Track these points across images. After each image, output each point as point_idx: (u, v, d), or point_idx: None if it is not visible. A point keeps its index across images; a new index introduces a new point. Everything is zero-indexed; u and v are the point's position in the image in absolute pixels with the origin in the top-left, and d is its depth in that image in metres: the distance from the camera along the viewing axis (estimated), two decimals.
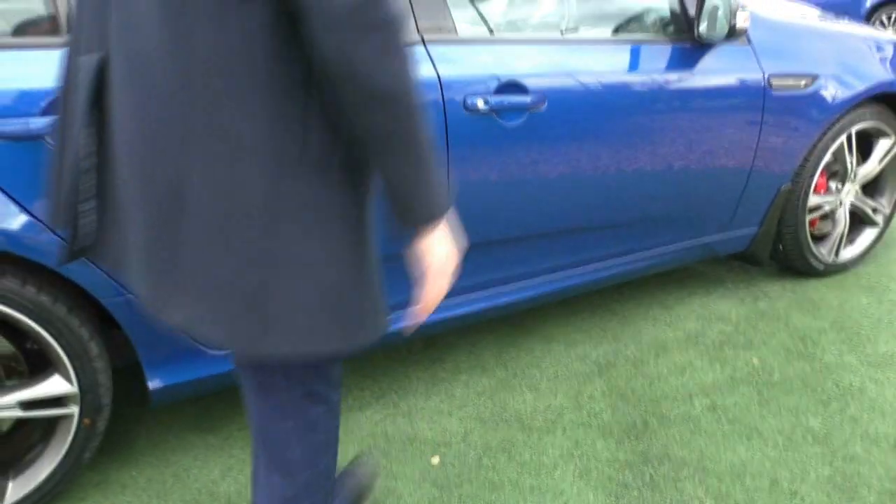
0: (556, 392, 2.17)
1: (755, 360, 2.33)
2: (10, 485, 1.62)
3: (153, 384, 1.71)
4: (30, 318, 1.51)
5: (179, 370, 1.74)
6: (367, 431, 1.98)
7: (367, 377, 2.24)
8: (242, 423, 2.02)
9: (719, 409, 2.09)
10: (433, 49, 1.84)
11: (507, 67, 1.93)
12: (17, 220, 1.44)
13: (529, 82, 1.94)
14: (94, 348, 1.60)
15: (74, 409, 1.62)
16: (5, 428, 1.69)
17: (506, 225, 2.04)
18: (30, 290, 1.50)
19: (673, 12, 2.25)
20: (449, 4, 1.88)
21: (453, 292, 2.06)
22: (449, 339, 2.45)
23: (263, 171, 0.96)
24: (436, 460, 1.88)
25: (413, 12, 1.82)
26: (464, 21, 2.23)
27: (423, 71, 1.80)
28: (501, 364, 2.31)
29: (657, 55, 2.20)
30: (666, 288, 2.81)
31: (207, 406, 2.09)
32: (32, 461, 1.65)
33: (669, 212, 2.35)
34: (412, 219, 1.02)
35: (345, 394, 2.14)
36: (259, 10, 0.91)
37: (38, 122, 1.42)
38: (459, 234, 1.08)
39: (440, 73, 1.82)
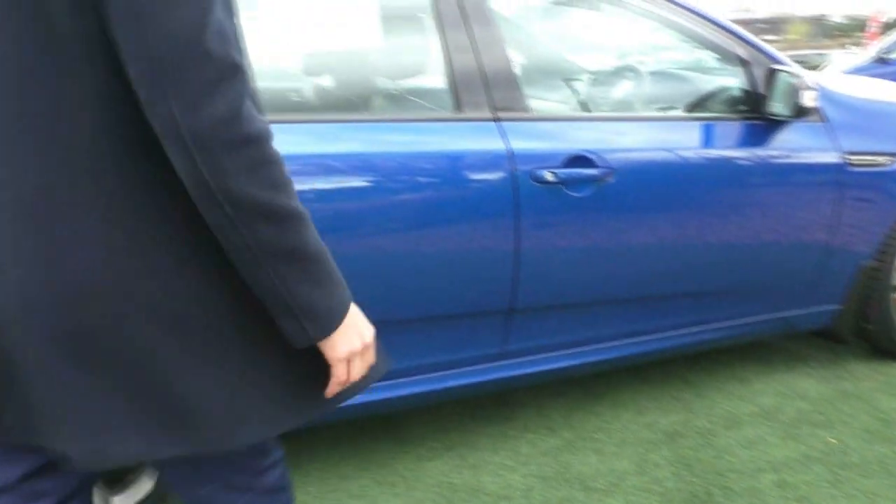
0: (620, 456, 2.20)
1: (832, 440, 2.28)
2: (115, 499, 1.84)
3: None
4: None
5: None
6: (434, 481, 2.09)
7: (438, 430, 2.35)
8: (320, 462, 2.17)
9: (788, 487, 2.06)
10: (507, 125, 2.01)
11: (575, 142, 2.08)
12: None
13: (598, 156, 2.07)
14: None
15: None
16: None
17: (575, 290, 2.15)
18: None
19: (744, 91, 2.34)
20: (522, 84, 2.06)
21: (523, 352, 2.17)
22: (519, 398, 2.54)
23: (156, 271, 0.92)
24: None
25: (488, 90, 2.01)
26: (536, 98, 2.41)
27: (496, 145, 1.97)
28: (568, 426, 2.37)
29: (727, 132, 2.29)
30: (745, 362, 2.79)
31: (288, 445, 2.24)
32: (133, 481, 1.86)
33: (740, 284, 2.39)
34: (317, 330, 0.97)
35: (416, 444, 2.27)
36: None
37: None
38: (361, 313, 1.06)
39: (512, 147, 1.99)
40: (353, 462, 2.18)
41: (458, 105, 2.00)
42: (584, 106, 2.63)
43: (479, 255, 2.00)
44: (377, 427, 2.37)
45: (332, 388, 1.05)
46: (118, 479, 1.89)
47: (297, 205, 0.92)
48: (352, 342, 1.01)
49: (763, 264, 2.40)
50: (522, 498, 2.01)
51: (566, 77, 2.84)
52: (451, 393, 2.14)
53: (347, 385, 1.06)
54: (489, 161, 1.97)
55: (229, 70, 0.84)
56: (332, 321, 0.98)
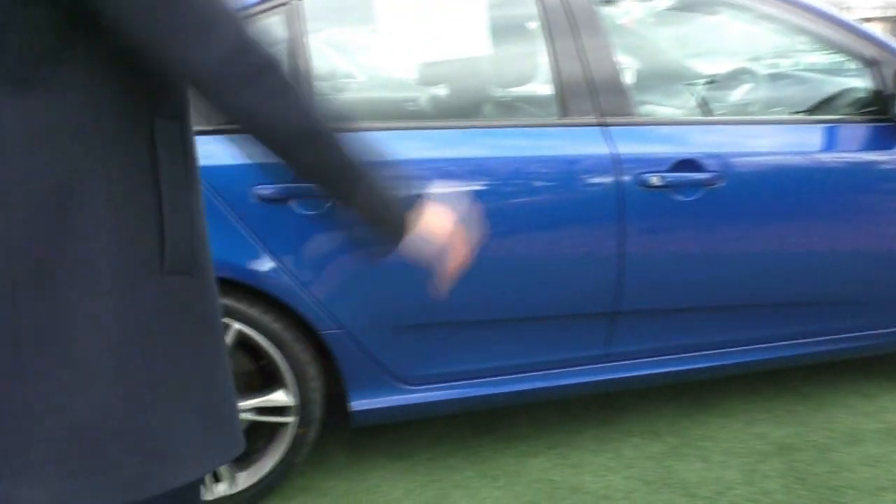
0: (727, 466, 2.16)
1: None
2: (242, 475, 2.02)
3: (354, 406, 2.03)
4: (267, 340, 1.91)
5: (377, 398, 2.05)
6: (534, 477, 2.14)
7: (542, 428, 2.40)
8: (427, 452, 2.28)
9: None
10: (613, 130, 2.04)
11: (684, 146, 2.07)
12: (266, 264, 1.86)
13: (707, 160, 2.06)
14: (311, 371, 1.97)
15: (292, 420, 1.98)
16: (243, 428, 2.12)
17: (681, 295, 2.14)
18: (268, 319, 1.91)
19: (871, 92, 2.24)
20: (629, 89, 2.08)
21: (627, 355, 2.19)
22: (624, 401, 2.54)
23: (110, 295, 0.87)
24: None
25: (595, 96, 2.04)
26: (649, 103, 2.41)
27: (601, 149, 2.00)
28: (674, 432, 2.35)
29: (852, 134, 2.20)
30: (870, 376, 2.65)
31: (399, 434, 2.38)
32: (258, 459, 2.04)
33: (863, 294, 2.28)
34: (395, 228, 0.98)
35: (519, 440, 2.33)
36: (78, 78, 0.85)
37: (284, 188, 1.84)
38: (458, 200, 1.09)
39: (619, 152, 2.01)
40: (459, 454, 2.27)
41: (564, 110, 2.05)
42: (699, 110, 2.60)
43: (585, 258, 2.04)
44: (482, 422, 2.45)
45: (446, 277, 1.05)
46: (244, 456, 2.07)
47: (332, 114, 0.91)
48: (442, 219, 1.02)
49: (890, 274, 2.28)
50: (623, 500, 2.02)
51: (681, 81, 2.82)
52: (555, 392, 2.18)
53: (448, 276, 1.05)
54: (594, 165, 2.01)
55: (220, 8, 0.84)
56: (408, 201, 0.98)
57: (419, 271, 1.92)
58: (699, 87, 2.78)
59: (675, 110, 2.66)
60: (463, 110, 2.47)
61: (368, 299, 1.95)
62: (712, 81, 2.83)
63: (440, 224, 1.01)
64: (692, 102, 2.67)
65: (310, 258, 1.89)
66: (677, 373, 2.23)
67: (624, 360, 2.18)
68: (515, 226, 1.99)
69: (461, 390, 2.10)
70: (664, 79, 2.84)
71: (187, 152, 0.96)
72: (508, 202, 1.98)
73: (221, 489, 1.99)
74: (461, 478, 2.15)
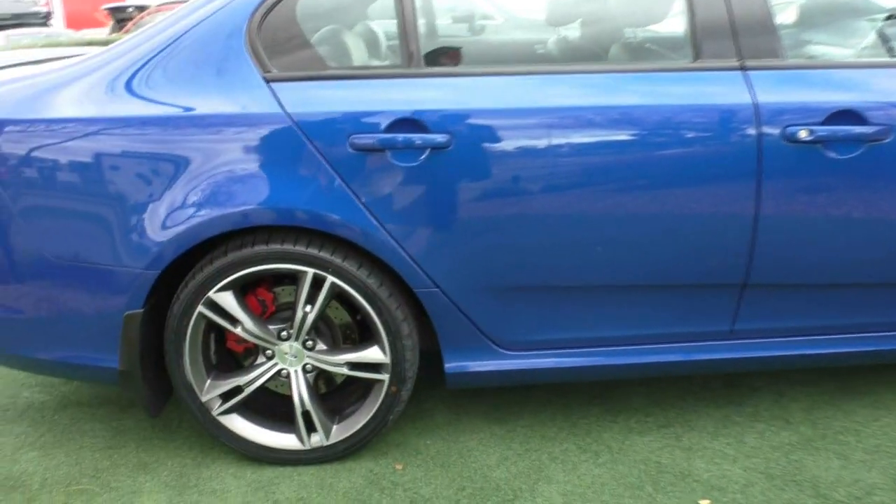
0: (871, 466, 1.88)
1: None
2: (335, 428, 2.00)
3: (448, 367, 1.95)
4: (361, 296, 1.85)
5: (472, 360, 1.95)
6: (640, 457, 1.97)
7: (656, 404, 2.21)
8: (527, 420, 2.16)
9: None
10: (754, 74, 1.76)
11: (843, 94, 1.75)
12: (360, 217, 1.79)
13: (872, 111, 1.73)
14: (405, 328, 1.89)
15: (385, 377, 1.93)
16: (338, 381, 2.10)
17: (824, 269, 1.85)
18: (363, 273, 1.84)
19: None
20: (778, 28, 1.78)
21: (756, 333, 1.94)
22: (753, 382, 2.28)
23: None
24: (705, 503, 1.79)
25: (735, 35, 1.76)
26: (811, 44, 2.07)
27: (739, 97, 1.73)
28: (809, 421, 2.08)
29: None
30: None
31: (500, 398, 2.29)
32: (351, 413, 2.01)
33: None
34: None
35: (628, 415, 2.15)
36: None
37: (380, 138, 1.74)
38: None
39: (759, 100, 1.73)
40: (559, 424, 2.14)
41: (697, 52, 1.79)
42: (872, 51, 2.21)
43: (714, 220, 1.80)
44: (589, 391, 2.29)
45: None
46: (338, 410, 2.05)
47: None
48: None
49: None
50: (739, 493, 1.82)
51: (857, 16, 2.41)
52: (669, 369, 1.99)
53: None
54: (730, 116, 1.74)
55: None
56: None
57: (525, 228, 1.78)
58: (879, 24, 2.36)
59: (843, 51, 2.28)
60: (588, 53, 2.26)
61: (468, 258, 1.83)
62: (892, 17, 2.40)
63: None
64: (867, 42, 2.27)
65: (406, 212, 1.79)
66: (813, 357, 1.95)
67: (751, 338, 1.93)
68: (635, 183, 1.78)
69: (564, 359, 1.95)
70: (833, 14, 2.45)
71: None
72: (627, 156, 1.77)
73: (316, 440, 1.99)
74: (559, 450, 2.02)
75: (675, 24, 1.92)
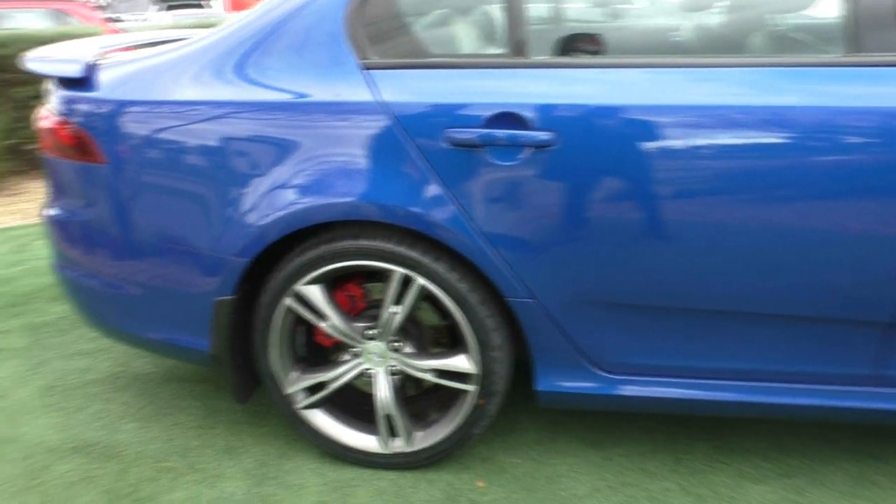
0: None
1: None
2: (418, 435, 1.91)
3: (540, 386, 1.79)
4: (450, 300, 1.73)
5: (567, 380, 1.78)
6: None
7: (777, 448, 1.94)
8: (626, 448, 1.97)
9: None
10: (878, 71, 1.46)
11: None
12: (453, 217, 1.66)
13: None
14: (495, 339, 1.76)
15: (472, 388, 1.81)
16: (425, 387, 2.00)
17: None
18: (453, 277, 1.72)
19: None
20: None
21: None
22: None
23: None
24: None
25: (854, 28, 1.47)
26: None
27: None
28: None
29: None
30: None
31: (599, 421, 2.10)
32: (435, 422, 1.91)
33: None
34: None
35: (742, 458, 1.91)
36: None
37: (480, 133, 1.60)
38: None
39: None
40: (661, 459, 1.93)
41: (857, 44, 1.51)
42: None
43: (860, 246, 1.52)
44: (698, 425, 2.06)
45: None
46: (423, 416, 1.96)
47: None
48: None
49: None
50: None
51: None
52: (798, 412, 1.72)
53: None
54: (888, 120, 1.46)
55: None
56: None
57: (636, 240, 1.59)
58: None
59: None
60: (727, 43, 2.00)
61: (567, 269, 1.67)
62: None
63: None
64: None
65: (503, 215, 1.65)
66: None
67: None
68: (775, 194, 1.53)
69: (672, 389, 1.74)
70: None
71: None
72: (770, 163, 1.52)
73: (397, 445, 1.91)
74: (658, 489, 1.82)
75: (828, 9, 1.63)
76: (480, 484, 1.87)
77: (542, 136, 1.58)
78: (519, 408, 2.17)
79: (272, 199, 1.73)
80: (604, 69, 1.61)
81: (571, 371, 1.78)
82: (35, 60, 2.02)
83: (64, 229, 2.05)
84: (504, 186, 1.63)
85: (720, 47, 2.09)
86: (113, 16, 11.89)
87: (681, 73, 1.58)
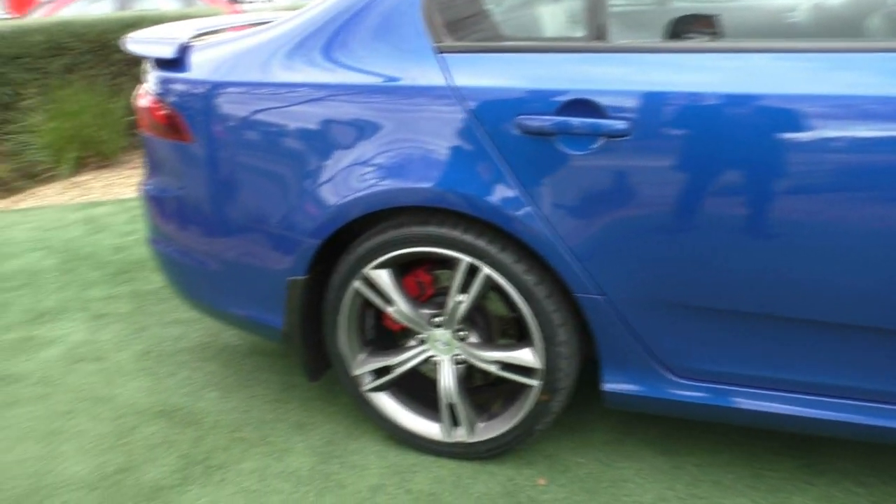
0: None
1: None
2: (480, 426, 1.88)
3: (607, 386, 1.72)
4: (516, 292, 1.69)
5: (636, 382, 1.70)
6: None
7: (873, 471, 1.77)
8: (700, 458, 1.86)
9: None
10: None
11: None
12: (522, 207, 1.61)
13: None
14: (561, 334, 1.70)
15: (536, 384, 1.76)
16: (491, 378, 1.97)
17: None
18: (520, 269, 1.67)
19: None
20: None
21: None
22: None
23: None
24: None
25: None
26: None
27: None
28: None
29: None
30: None
31: (673, 426, 2.00)
32: (498, 414, 1.87)
33: None
34: None
35: (831, 480, 1.75)
36: None
37: (552, 121, 1.54)
38: None
39: None
40: (738, 472, 1.81)
41: None
42: None
43: None
44: (782, 440, 1.91)
45: None
46: (487, 407, 1.93)
47: None
48: None
49: None
50: None
51: None
52: (884, 435, 1.56)
53: None
54: None
55: None
56: None
57: (724, 240, 1.48)
58: None
59: None
60: (853, 26, 1.83)
61: (639, 266, 1.58)
62: None
63: None
64: None
65: (573, 207, 1.58)
66: None
67: None
68: (872, 194, 1.38)
69: (751, 401, 1.62)
70: None
71: None
72: (856, 158, 1.38)
73: (459, 435, 1.89)
74: (731, 503, 1.71)
75: None
76: (541, 482, 1.82)
77: (618, 125, 1.50)
78: (590, 406, 2.09)
79: (351, 181, 1.73)
80: (684, 54, 1.50)
81: (640, 373, 1.69)
82: (134, 41, 2.12)
83: (155, 204, 2.15)
84: (574, 176, 1.56)
85: (825, 29, 1.91)
86: None
87: (775, 57, 1.45)
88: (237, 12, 9.40)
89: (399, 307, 1.84)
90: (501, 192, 1.61)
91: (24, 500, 1.83)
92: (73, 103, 5.07)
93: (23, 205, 4.53)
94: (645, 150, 1.50)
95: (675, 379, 1.67)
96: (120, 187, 4.78)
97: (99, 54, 5.38)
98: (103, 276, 3.27)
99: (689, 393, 1.66)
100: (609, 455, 1.91)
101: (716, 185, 1.46)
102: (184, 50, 2.01)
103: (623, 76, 1.52)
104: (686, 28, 1.91)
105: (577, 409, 2.09)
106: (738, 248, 1.49)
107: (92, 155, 5.23)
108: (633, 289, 1.61)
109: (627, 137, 1.50)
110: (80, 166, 5.18)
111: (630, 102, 1.49)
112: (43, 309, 2.95)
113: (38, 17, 7.44)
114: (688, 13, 1.97)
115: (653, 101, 1.48)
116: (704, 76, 1.46)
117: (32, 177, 5.02)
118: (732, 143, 1.44)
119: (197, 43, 2.04)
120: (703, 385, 1.65)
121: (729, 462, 1.85)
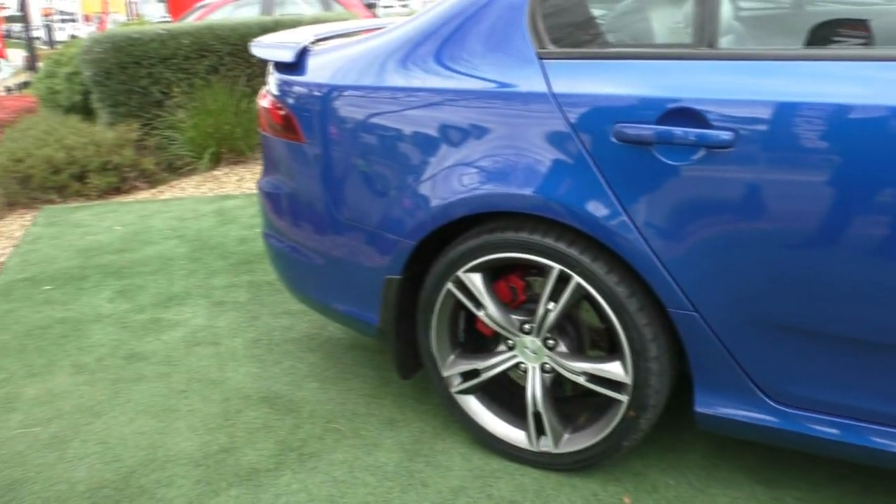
0: None
1: None
2: (566, 437, 1.85)
3: (700, 407, 1.64)
4: (607, 303, 1.65)
5: (730, 404, 1.61)
6: None
7: None
8: (804, 492, 1.73)
9: None
10: None
11: None
12: (615, 216, 1.57)
13: None
14: (653, 349, 1.64)
15: (624, 399, 1.71)
16: (581, 390, 1.93)
17: None
18: (611, 280, 1.63)
19: None
20: None
21: None
22: None
23: None
24: None
25: None
26: None
27: None
28: None
29: None
30: None
31: (776, 454, 1.87)
32: (583, 427, 1.83)
33: None
34: None
35: None
36: None
37: (651, 130, 1.49)
38: None
39: None
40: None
41: None
42: None
43: None
44: (865, 475, 1.75)
45: None
46: (573, 419, 1.89)
47: None
48: None
49: None
50: None
51: None
52: None
53: None
54: None
55: None
56: None
57: (821, 258, 1.39)
58: None
59: None
60: None
61: (737, 283, 1.50)
62: None
63: None
64: None
65: (668, 219, 1.52)
66: None
67: None
68: None
69: (858, 436, 1.50)
70: None
71: None
72: None
73: (544, 444, 1.86)
74: None
75: None
76: (626, 500, 1.76)
77: (722, 136, 1.43)
78: (686, 426, 2.01)
79: (453, 183, 1.76)
80: (798, 62, 1.41)
81: (735, 395, 1.60)
82: (258, 46, 2.25)
83: (269, 200, 2.27)
84: (672, 188, 1.50)
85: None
86: (370, 2, 12.82)
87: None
88: (371, 17, 9.73)
89: (489, 311, 1.84)
90: (597, 202, 1.58)
91: (139, 469, 1.99)
92: (214, 102, 5.44)
93: (164, 196, 4.91)
94: (748, 163, 1.42)
95: (773, 405, 1.57)
96: (250, 182, 5.08)
97: (239, 57, 5.74)
98: (227, 265, 3.49)
99: (790, 420, 1.55)
100: (702, 479, 1.82)
101: (849, 203, 1.35)
102: (302, 54, 2.11)
103: (727, 84, 1.45)
104: (828, 33, 1.79)
105: (673, 428, 2.01)
106: (851, 272, 1.38)
107: (227, 151, 5.59)
108: (729, 306, 1.53)
109: (730, 149, 1.43)
110: (217, 161, 5.55)
111: (734, 112, 1.42)
112: (171, 293, 3.19)
113: (189, 20, 8.04)
114: (831, 17, 1.85)
115: (757, 111, 1.40)
116: (842, 87, 1.37)
117: (174, 170, 5.44)
118: (873, 159, 1.33)
119: (315, 47, 2.14)
120: (811, 413, 1.54)
121: (835, 499, 1.71)
